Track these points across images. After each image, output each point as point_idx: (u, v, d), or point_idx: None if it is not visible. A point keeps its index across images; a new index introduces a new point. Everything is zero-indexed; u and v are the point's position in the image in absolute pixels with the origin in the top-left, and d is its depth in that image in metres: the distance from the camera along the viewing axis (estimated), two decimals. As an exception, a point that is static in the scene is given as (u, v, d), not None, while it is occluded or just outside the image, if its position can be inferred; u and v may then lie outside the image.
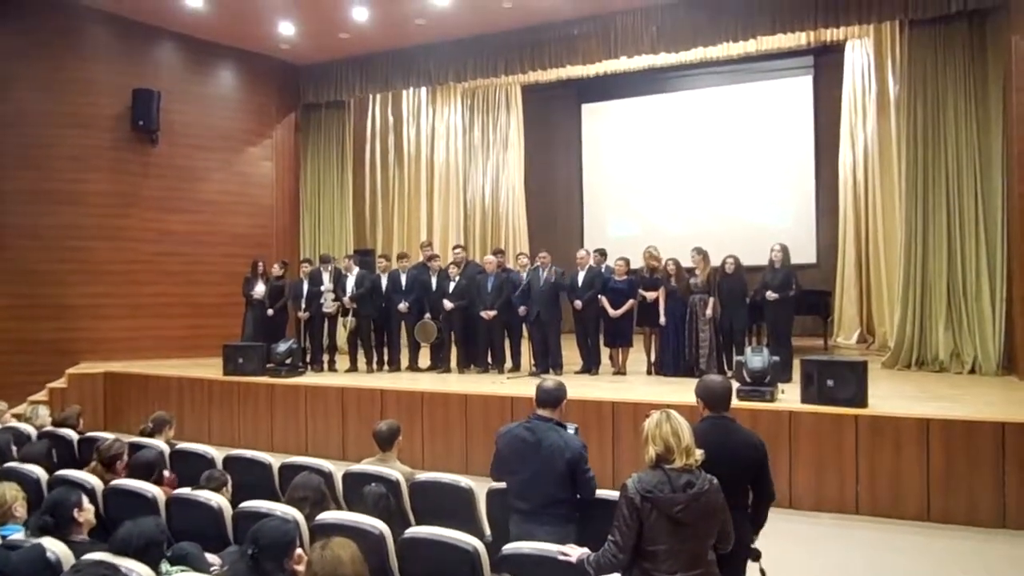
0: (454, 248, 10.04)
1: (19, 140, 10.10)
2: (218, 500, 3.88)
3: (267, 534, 2.90)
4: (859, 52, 11.54)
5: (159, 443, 5.20)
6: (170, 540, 3.34)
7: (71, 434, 5.81)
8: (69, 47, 10.42)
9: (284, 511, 3.50)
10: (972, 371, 8.41)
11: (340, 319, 9.79)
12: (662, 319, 8.46)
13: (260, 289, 9.88)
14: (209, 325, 10.90)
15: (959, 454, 5.72)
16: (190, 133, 11.35)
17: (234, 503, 3.91)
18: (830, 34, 10.83)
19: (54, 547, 3.09)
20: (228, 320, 10.44)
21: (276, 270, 10.07)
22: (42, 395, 9.56)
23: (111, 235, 10.64)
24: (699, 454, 2.84)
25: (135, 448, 4.90)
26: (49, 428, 6.11)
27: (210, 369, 9.51)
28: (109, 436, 5.12)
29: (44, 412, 6.74)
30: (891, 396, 6.85)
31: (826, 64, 12.54)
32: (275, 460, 4.92)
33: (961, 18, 8.62)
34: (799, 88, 13.04)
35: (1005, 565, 5.06)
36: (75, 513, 3.40)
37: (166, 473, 4.56)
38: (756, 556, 3.37)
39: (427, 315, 9.26)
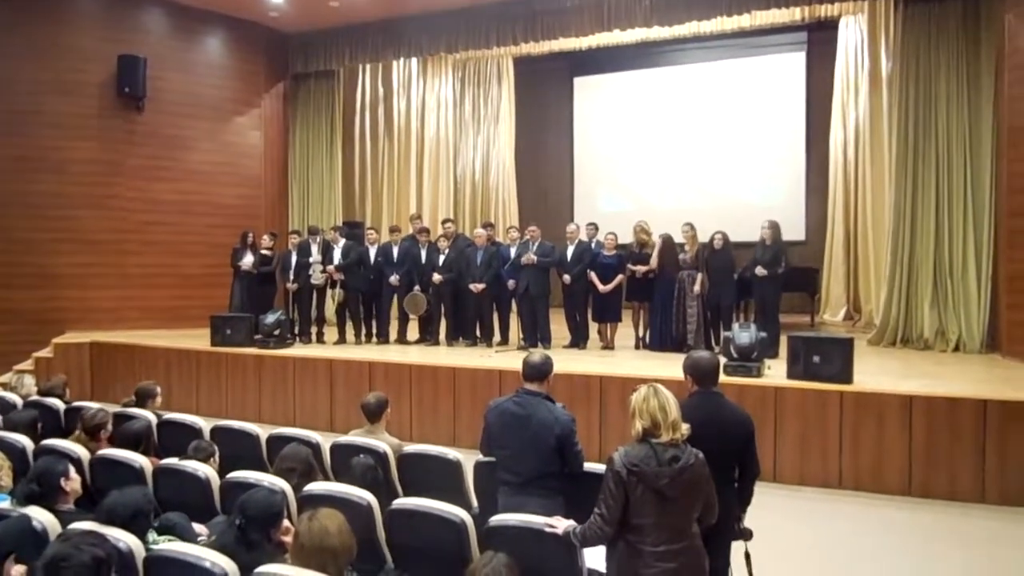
0: (444, 222, 9.99)
1: (2, 107, 9.94)
2: (205, 470, 3.88)
3: (254, 505, 2.93)
4: (852, 29, 11.48)
5: (147, 414, 5.19)
6: (157, 510, 3.35)
7: (57, 403, 5.79)
8: (53, 13, 10.22)
9: (272, 482, 3.51)
10: (956, 349, 8.50)
11: (328, 291, 9.76)
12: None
13: (248, 260, 9.82)
14: (196, 296, 10.84)
15: (941, 430, 5.80)
16: (177, 101, 11.18)
17: (221, 473, 3.92)
18: (824, 10, 10.74)
19: (40, 516, 3.08)
20: (215, 291, 10.36)
21: (266, 241, 10.00)
22: (28, 364, 9.51)
23: (97, 204, 10.52)
24: (685, 428, 2.86)
25: (122, 419, 4.89)
26: (35, 397, 6.09)
27: (197, 340, 9.48)
28: (94, 405, 5.10)
29: (30, 381, 6.71)
30: (876, 373, 6.91)
31: (819, 40, 12.47)
32: (263, 431, 4.93)
33: (956, -4, 8.59)
34: (792, 64, 12.99)
35: (982, 539, 5.15)
36: (62, 482, 3.39)
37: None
38: (748, 535, 3.40)
39: (416, 287, 9.25)
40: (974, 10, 8.60)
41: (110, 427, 4.63)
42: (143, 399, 5.55)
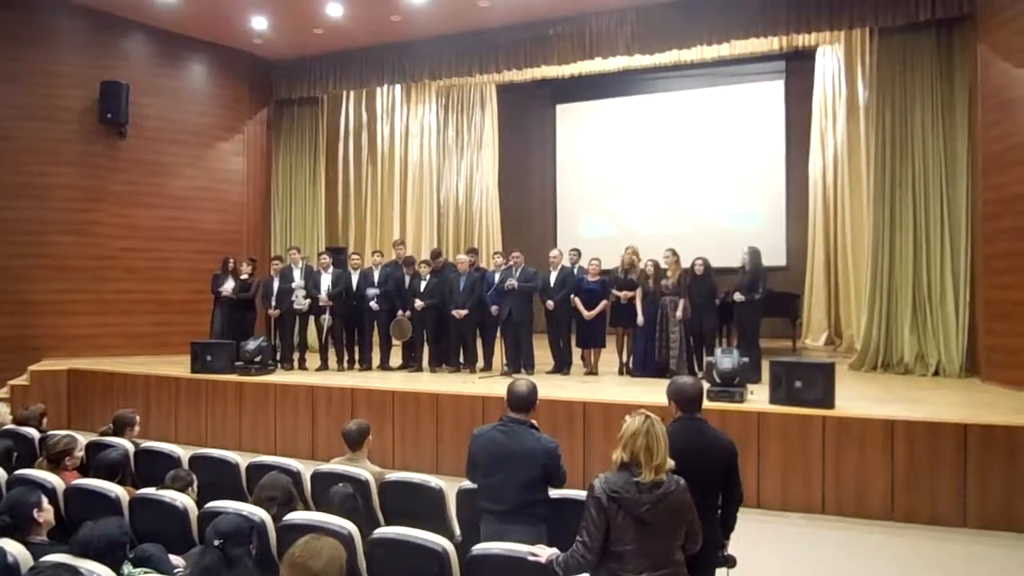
0: (433, 256, 9.86)
1: (-18, 132, 9.90)
2: (183, 500, 3.82)
3: (227, 523, 3.01)
4: (830, 58, 11.70)
5: (124, 442, 5.11)
6: (133, 541, 3.28)
7: (32, 432, 5.69)
8: (36, 38, 10.22)
9: (251, 511, 3.46)
10: (936, 373, 8.57)
11: (313, 318, 9.66)
12: (639, 319, 8.48)
13: (229, 286, 9.74)
14: (176, 322, 10.75)
15: (922, 455, 5.82)
16: (160, 127, 11.17)
17: (200, 503, 3.85)
18: (802, 40, 10.96)
19: (12, 548, 3.02)
20: (196, 318, 10.28)
21: (245, 267, 9.93)
22: (3, 392, 9.37)
23: (77, 230, 10.45)
24: (670, 465, 2.82)
25: (99, 448, 4.80)
26: (10, 427, 5.98)
27: (177, 367, 9.36)
28: (61, 433, 5.01)
29: (4, 410, 6.61)
30: (857, 397, 6.94)
31: (797, 69, 12.69)
32: (243, 459, 4.86)
33: (929, 27, 8.78)
34: (771, 92, 13.20)
35: (964, 564, 5.16)
36: (34, 513, 3.33)
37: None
38: (732, 563, 3.37)
39: (400, 313, 9.20)
40: (947, 40, 8.79)
41: (78, 455, 4.54)
42: (121, 427, 5.47)
